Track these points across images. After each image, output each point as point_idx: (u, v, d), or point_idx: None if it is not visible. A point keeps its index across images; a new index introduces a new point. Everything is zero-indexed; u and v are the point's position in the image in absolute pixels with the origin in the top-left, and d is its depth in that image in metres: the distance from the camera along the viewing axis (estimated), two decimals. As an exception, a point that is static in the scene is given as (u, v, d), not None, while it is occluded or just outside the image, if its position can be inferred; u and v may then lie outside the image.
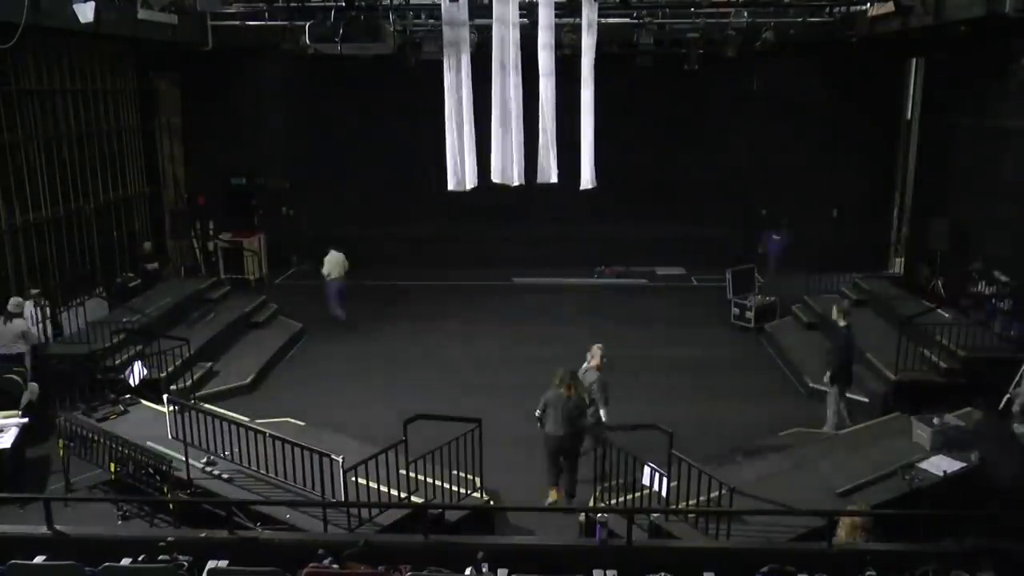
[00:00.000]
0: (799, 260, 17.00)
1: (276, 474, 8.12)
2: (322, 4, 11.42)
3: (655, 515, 7.53)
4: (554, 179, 10.11)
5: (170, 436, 8.74)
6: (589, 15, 10.23)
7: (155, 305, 14.02)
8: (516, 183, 10.12)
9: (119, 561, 6.02)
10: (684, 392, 12.54)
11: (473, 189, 10.23)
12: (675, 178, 18.88)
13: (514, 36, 9.81)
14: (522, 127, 9.96)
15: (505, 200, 12.67)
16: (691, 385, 12.82)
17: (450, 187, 10.10)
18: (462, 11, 10.02)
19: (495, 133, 9.96)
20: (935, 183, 16.53)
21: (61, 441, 9.45)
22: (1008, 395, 10.24)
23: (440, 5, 10.49)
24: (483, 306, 16.96)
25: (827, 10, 14.11)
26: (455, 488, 8.34)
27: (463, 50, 10.02)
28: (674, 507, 7.60)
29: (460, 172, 10.10)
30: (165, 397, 9.19)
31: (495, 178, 10.08)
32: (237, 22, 14.87)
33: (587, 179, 10.26)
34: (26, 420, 9.90)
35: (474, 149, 10.08)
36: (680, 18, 14.59)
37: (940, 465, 8.36)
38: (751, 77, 18.58)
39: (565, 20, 12.94)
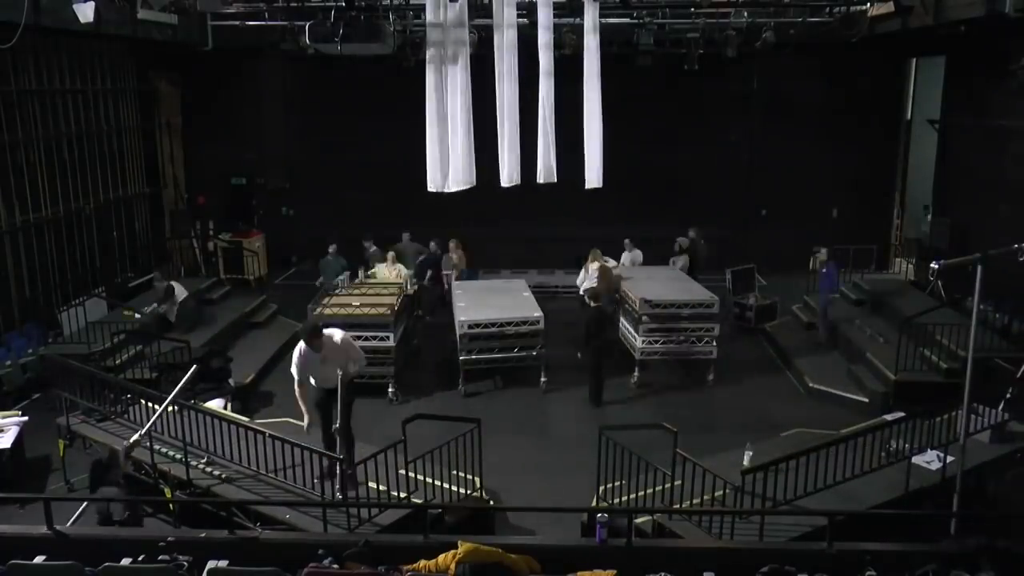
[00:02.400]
0: (799, 260, 17.01)
1: (276, 474, 8.12)
2: (322, 4, 11.41)
3: (658, 514, 7.53)
4: (554, 179, 10.09)
5: (170, 436, 8.74)
6: (593, 16, 10.22)
7: (155, 305, 13.98)
8: (519, 183, 10.10)
9: (119, 561, 6.01)
10: (685, 391, 12.54)
11: (474, 189, 10.18)
12: (675, 178, 18.87)
13: (514, 38, 9.79)
14: (519, 128, 9.93)
15: (505, 200, 12.63)
16: (692, 384, 12.81)
17: (430, 188, 9.96)
18: (446, 12, 9.96)
19: (501, 135, 9.93)
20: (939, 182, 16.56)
21: (61, 441, 9.44)
22: (1009, 393, 10.22)
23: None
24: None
25: (827, 10, 14.10)
26: (455, 488, 8.34)
27: (447, 51, 9.95)
28: (677, 506, 7.60)
29: (441, 174, 9.95)
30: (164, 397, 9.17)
31: (504, 182, 10.03)
32: (237, 22, 14.84)
33: (593, 179, 10.24)
34: (26, 419, 9.90)
35: (458, 150, 9.91)
36: (680, 18, 14.58)
37: (936, 463, 8.36)
38: (751, 77, 18.58)
39: (565, 20, 12.94)
